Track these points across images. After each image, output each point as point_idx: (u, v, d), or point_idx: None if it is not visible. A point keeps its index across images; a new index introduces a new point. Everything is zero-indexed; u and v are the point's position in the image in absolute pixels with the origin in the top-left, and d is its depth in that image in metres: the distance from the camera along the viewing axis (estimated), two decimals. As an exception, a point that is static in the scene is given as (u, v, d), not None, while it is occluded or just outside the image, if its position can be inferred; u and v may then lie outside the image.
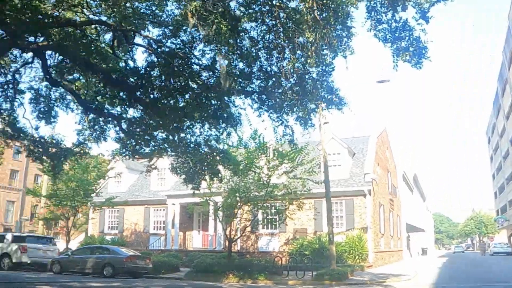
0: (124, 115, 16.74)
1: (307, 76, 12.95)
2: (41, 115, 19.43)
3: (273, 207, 23.69)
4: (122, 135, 17.91)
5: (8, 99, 19.34)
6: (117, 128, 17.69)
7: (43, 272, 20.80)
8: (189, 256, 24.58)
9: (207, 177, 17.83)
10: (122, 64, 15.70)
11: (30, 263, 21.63)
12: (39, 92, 19.51)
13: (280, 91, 13.76)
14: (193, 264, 20.99)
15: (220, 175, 18.04)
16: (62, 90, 19.25)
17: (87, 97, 16.81)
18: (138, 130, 16.70)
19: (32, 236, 23.80)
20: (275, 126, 14.53)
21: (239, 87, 14.19)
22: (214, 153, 16.84)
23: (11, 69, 18.80)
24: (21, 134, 19.47)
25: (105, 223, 33.49)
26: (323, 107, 15.03)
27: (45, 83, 18.78)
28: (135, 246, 29.88)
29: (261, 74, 13.53)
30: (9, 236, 22.65)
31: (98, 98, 16.45)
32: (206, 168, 17.13)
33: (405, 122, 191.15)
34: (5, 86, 19.34)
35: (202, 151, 16.57)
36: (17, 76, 19.50)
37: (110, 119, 17.03)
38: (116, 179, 34.50)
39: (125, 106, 16.30)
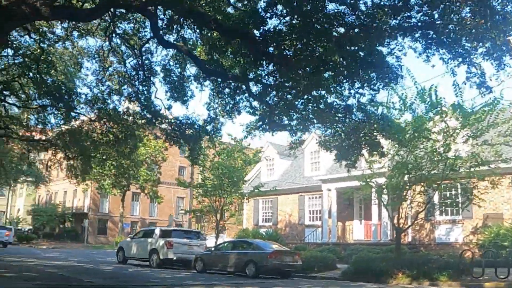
0: (251, 77, 14.11)
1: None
2: (175, 95, 18.06)
3: (454, 187, 18.48)
4: (254, 103, 15.46)
5: (143, 82, 18.50)
6: (246, 94, 15.35)
7: (185, 270, 19.04)
8: (348, 250, 20.65)
9: (364, 151, 14.61)
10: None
11: (176, 259, 20.16)
12: (171, 70, 17.94)
13: (454, 22, 9.86)
14: (351, 260, 17.06)
15: (381, 148, 14.36)
16: (195, 69, 17.91)
17: (206, 58, 14.68)
18: (272, 95, 14.31)
19: (179, 230, 22.53)
20: (452, 67, 10.54)
21: (394, 25, 10.59)
22: (371, 120, 13.43)
23: (142, 50, 17.98)
24: (158, 118, 18.42)
25: (259, 215, 31.45)
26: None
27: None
28: (290, 240, 27.08)
29: (423, 2, 10.10)
30: (157, 231, 21.60)
31: (216, 55, 14.20)
32: (362, 140, 13.87)
33: None
34: (138, 68, 18.50)
35: (355, 118, 13.55)
36: (148, 55, 18.11)
37: (237, 83, 14.56)
38: (268, 167, 32.28)
39: (251, 64, 13.47)
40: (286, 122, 15.88)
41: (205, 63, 14.47)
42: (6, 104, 21.93)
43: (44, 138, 22.50)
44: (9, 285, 9.37)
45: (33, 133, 23.30)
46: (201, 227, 44.21)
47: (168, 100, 18.64)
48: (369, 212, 24.87)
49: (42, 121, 22.21)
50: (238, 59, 14.00)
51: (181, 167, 61.34)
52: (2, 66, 20.77)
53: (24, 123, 21.69)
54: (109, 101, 20.39)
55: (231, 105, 16.97)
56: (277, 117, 15.43)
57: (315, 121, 15.40)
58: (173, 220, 33.74)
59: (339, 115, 13.84)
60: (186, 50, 14.35)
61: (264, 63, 13.29)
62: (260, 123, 16.11)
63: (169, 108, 18.59)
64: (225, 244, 19.36)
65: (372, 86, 13.10)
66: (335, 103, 14.28)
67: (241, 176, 24.38)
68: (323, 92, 13.89)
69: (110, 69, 20.03)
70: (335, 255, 20.11)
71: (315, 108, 14.59)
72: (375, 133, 13.87)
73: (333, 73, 13.12)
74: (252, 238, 23.12)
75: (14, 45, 18.65)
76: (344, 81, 13.19)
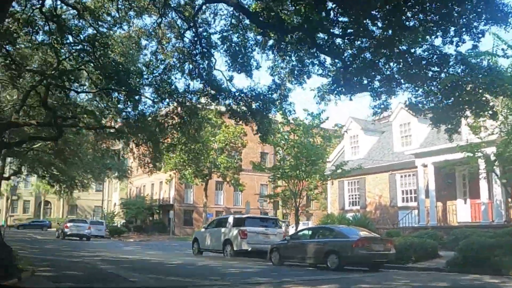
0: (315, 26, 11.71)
1: None
2: (238, 66, 16.14)
3: None
4: (326, 62, 13.39)
5: (203, 56, 16.74)
6: (315, 54, 13.05)
7: (260, 263, 16.90)
8: (451, 235, 17.21)
9: (468, 113, 12.24)
10: None
11: (251, 250, 18.14)
12: (231, 39, 16.13)
13: None
14: (457, 246, 13.80)
15: (490, 108, 11.84)
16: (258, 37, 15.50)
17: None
18: (347, 54, 12.31)
19: (253, 218, 20.42)
20: None
21: None
22: (474, 73, 10.93)
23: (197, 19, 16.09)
24: (222, 92, 16.58)
25: (345, 198, 28.53)
26: None
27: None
28: (381, 224, 23.98)
29: None
30: (230, 220, 19.74)
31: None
32: (464, 99, 11.38)
33: None
34: (197, 42, 16.81)
35: (454, 73, 11.15)
36: (205, 26, 16.79)
37: (299, 34, 12.24)
38: (352, 144, 29.28)
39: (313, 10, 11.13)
40: (366, 82, 13.36)
41: (260, 15, 12.24)
42: (73, 93, 21.19)
43: (111, 125, 21.46)
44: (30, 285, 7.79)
45: (103, 122, 22.43)
46: (283, 215, 42.26)
47: (229, 71, 16.68)
48: (476, 189, 20.97)
49: (111, 108, 21.18)
50: (298, 6, 11.55)
51: (263, 153, 59.66)
52: (67, 55, 19.84)
53: (91, 111, 20.74)
54: (170, 79, 18.87)
55: (298, 68, 14.57)
56: (354, 78, 12.90)
57: (402, 81, 12.99)
58: (250, 208, 31.96)
59: (433, 70, 11.42)
60: (235, 3, 12.14)
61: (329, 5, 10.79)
62: (335, 85, 13.60)
63: (230, 79, 16.60)
64: (303, 232, 16.90)
65: (472, 30, 10.33)
66: (426, 54, 11.63)
67: (321, 155, 21.66)
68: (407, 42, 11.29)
69: (169, 47, 18.46)
70: (436, 240, 16.84)
71: (401, 65, 12.12)
72: (480, 90, 11.27)
73: (417, 15, 10.51)
74: (337, 224, 20.44)
75: (73, 32, 17.50)
76: (433, 25, 10.45)
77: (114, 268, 12.02)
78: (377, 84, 13.58)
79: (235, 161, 45.59)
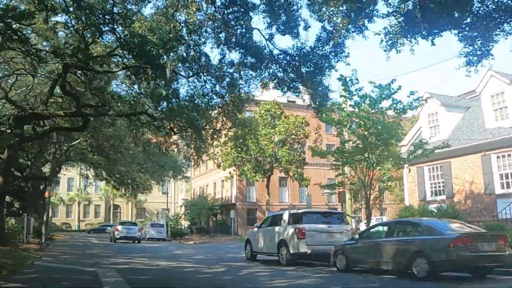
0: None
1: None
2: (281, 27, 12.91)
3: None
4: None
5: (240, 19, 13.95)
6: None
7: (322, 268, 13.27)
8: None
9: None
10: None
11: (311, 253, 14.55)
12: None
13: None
14: None
15: None
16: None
17: None
18: None
19: (313, 213, 16.65)
20: None
21: None
22: None
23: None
24: (263, 59, 13.44)
25: (426, 187, 23.99)
26: None
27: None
28: (474, 216, 19.43)
29: None
30: (285, 216, 16.18)
31: None
32: None
33: None
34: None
35: None
36: None
37: None
38: (431, 124, 24.81)
39: None
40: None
41: None
42: (105, 79, 18.77)
43: (144, 111, 18.80)
44: None
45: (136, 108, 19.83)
46: (353, 210, 37.93)
47: (269, 28, 13.29)
48: None
49: (142, 94, 18.52)
50: None
51: (329, 145, 55.46)
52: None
53: (120, 96, 18.21)
54: (204, 52, 15.78)
55: (356, 10, 10.84)
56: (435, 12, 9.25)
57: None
58: (311, 202, 28.21)
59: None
60: None
61: None
62: (409, 24, 9.88)
63: (270, 38, 13.15)
64: (377, 229, 13.02)
65: None
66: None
67: (395, 133, 17.47)
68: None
69: (200, 15, 15.42)
70: None
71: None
72: None
73: None
74: (419, 217, 16.29)
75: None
76: None
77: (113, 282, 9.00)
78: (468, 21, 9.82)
79: (298, 153, 41.89)
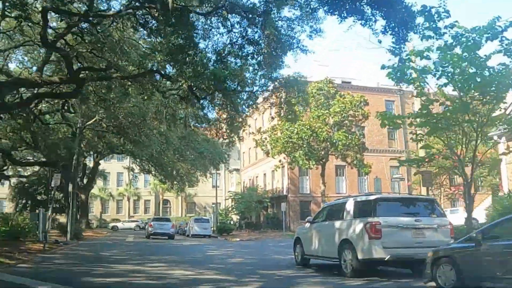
0: None
1: None
2: None
3: None
4: None
5: None
6: None
7: (406, 280, 8.41)
8: None
9: None
10: None
11: (389, 259, 9.61)
12: None
13: None
14: None
15: None
16: None
17: None
18: None
19: (391, 199, 11.45)
20: None
21: None
22: None
23: None
24: None
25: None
26: None
27: None
28: None
29: None
30: (349, 205, 11.26)
31: None
32: None
33: None
34: None
35: None
36: None
37: None
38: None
39: None
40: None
41: None
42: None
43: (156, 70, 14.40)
44: None
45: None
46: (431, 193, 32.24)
47: None
48: None
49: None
50: None
51: (391, 129, 49.42)
52: None
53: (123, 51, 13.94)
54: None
55: None
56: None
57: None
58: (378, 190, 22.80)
59: None
60: None
61: None
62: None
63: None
64: (507, 223, 7.87)
65: None
66: None
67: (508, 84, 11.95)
68: None
69: None
70: None
71: None
72: None
73: None
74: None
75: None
76: None
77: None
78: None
79: (356, 137, 36.47)
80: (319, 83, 38.29)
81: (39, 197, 42.72)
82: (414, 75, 14.07)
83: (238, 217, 51.89)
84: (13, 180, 45.08)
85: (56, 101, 24.51)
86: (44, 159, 25.47)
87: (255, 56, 12.91)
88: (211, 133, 19.72)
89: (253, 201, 45.83)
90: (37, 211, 21.48)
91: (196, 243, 27.09)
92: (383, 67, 13.89)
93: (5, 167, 41.21)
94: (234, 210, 48.67)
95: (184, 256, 16.60)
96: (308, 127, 34.44)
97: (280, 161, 39.11)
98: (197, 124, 17.36)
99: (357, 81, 49.74)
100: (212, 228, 40.73)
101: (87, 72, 14.49)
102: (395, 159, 22.91)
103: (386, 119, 14.85)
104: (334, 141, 34.98)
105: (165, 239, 30.77)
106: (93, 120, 20.41)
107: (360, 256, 9.97)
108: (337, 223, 11.32)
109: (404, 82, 14.52)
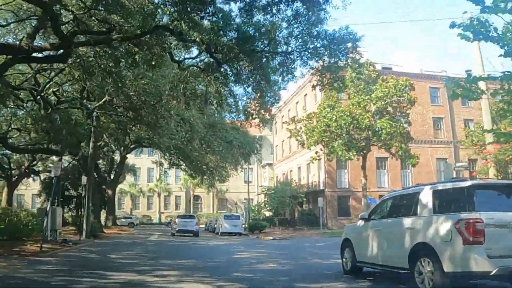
0: None
1: None
2: None
3: None
4: None
5: None
6: None
7: None
8: None
9: None
10: None
11: (497, 274, 6.40)
12: None
13: None
14: None
15: None
16: None
17: None
18: None
19: (494, 186, 7.96)
20: None
21: None
22: None
23: None
24: None
25: None
26: None
27: None
28: None
29: None
30: (425, 195, 8.03)
31: None
32: None
33: None
34: None
35: None
36: None
37: None
38: None
39: None
40: None
41: None
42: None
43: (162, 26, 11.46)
44: None
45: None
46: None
47: None
48: None
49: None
50: None
51: (436, 118, 45.39)
52: None
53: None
54: None
55: None
56: None
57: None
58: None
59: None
60: None
61: None
62: None
63: None
64: None
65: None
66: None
67: None
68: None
69: None
70: None
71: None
72: None
73: None
74: None
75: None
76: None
77: None
78: None
79: (401, 125, 32.76)
80: (359, 67, 34.76)
81: (66, 193, 40.92)
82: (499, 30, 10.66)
83: (271, 214, 48.93)
84: (43, 176, 43.48)
85: (75, 86, 22.20)
86: (50, 146, 23.01)
87: (290, 3, 9.81)
88: (238, 112, 16.76)
89: (287, 196, 42.70)
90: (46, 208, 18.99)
91: (224, 242, 24.23)
92: (452, 25, 10.62)
93: (34, 162, 39.68)
94: (267, 206, 45.66)
95: (206, 260, 13.68)
96: (348, 113, 31.02)
97: (316, 152, 35.82)
98: (221, 100, 14.39)
99: (397, 67, 45.84)
100: (243, 225, 37.87)
101: (82, 35, 11.83)
102: (463, 143, 19.21)
103: (460, 87, 11.43)
104: (377, 129, 31.39)
105: (190, 236, 29.24)
106: (103, 100, 17.80)
107: (447, 268, 6.80)
108: (407, 221, 8.15)
109: (484, 39, 11.09)
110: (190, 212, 69.87)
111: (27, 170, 39.34)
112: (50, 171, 43.07)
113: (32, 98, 20.04)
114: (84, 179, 21.27)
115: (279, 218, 45.57)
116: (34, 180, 52.02)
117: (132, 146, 43.14)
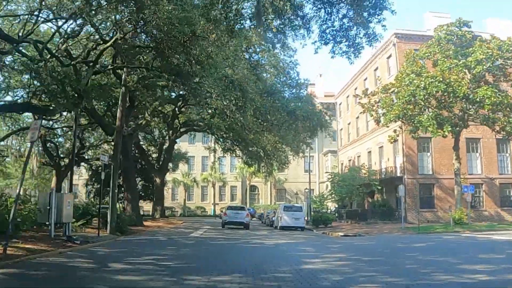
0: None
1: None
2: None
3: None
4: None
5: None
6: None
7: None
8: None
9: None
10: None
11: None
12: None
13: None
14: None
15: None
16: None
17: None
18: None
19: None
20: None
21: None
22: None
23: None
24: None
25: None
26: None
27: None
28: None
29: None
30: None
31: None
32: None
33: None
34: None
35: None
36: None
37: None
38: None
39: None
40: None
41: None
42: None
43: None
44: None
45: None
46: None
47: None
48: None
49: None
50: None
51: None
52: None
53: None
54: None
55: None
56: None
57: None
58: None
59: None
60: None
61: None
62: None
63: None
64: None
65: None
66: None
67: None
68: None
69: None
70: None
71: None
72: None
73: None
74: None
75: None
76: None
77: None
78: None
79: (508, 95, 25.79)
80: (450, 26, 28.10)
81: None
82: None
83: (336, 205, 42.95)
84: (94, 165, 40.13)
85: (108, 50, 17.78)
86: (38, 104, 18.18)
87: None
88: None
89: (358, 184, 36.54)
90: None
91: (285, 241, 18.69)
92: None
93: (83, 150, 36.30)
94: (333, 195, 39.68)
95: (260, 274, 8.30)
96: (441, 79, 24.51)
97: (395, 131, 29.52)
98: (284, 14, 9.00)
99: (487, 35, 38.20)
100: (305, 219, 32.31)
101: None
102: None
103: None
104: (478, 99, 24.66)
105: (241, 229, 27.92)
106: (112, 41, 12.87)
107: None
108: None
109: None
110: (246, 204, 65.17)
111: (76, 159, 35.90)
112: (97, 159, 39.65)
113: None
114: (103, 157, 16.42)
115: (346, 210, 39.53)
116: (85, 169, 49.05)
117: (182, 130, 38.84)
